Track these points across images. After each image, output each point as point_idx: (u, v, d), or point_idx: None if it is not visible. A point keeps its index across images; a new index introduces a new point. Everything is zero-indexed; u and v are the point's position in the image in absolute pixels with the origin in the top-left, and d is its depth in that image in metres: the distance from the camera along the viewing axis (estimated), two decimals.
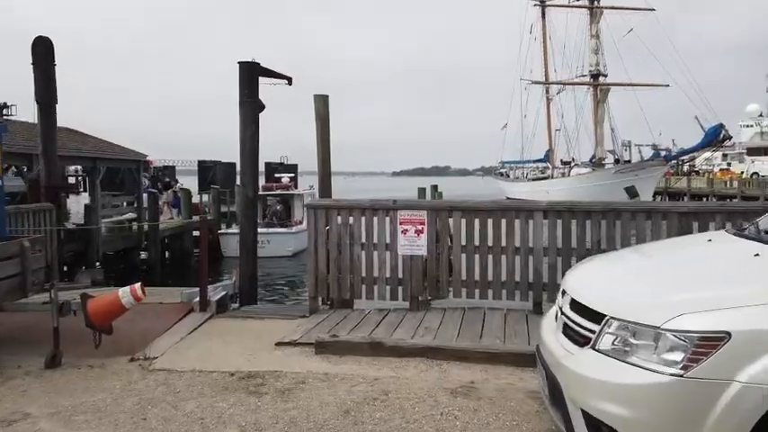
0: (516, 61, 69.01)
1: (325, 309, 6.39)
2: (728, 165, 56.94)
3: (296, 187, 31.21)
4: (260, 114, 9.81)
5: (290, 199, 25.65)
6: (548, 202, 5.78)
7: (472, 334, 5.20)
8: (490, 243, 5.89)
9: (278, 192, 25.99)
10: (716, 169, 54.37)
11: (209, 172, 36.22)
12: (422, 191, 22.97)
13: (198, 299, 6.69)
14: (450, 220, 6.00)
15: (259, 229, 22.43)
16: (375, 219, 6.16)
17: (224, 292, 7.21)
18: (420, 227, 6.03)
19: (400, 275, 6.13)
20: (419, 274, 6.05)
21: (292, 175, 32.21)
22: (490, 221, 5.89)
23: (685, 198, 48.24)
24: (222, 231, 22.50)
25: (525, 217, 5.78)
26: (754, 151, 67.66)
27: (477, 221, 5.92)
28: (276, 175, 31.31)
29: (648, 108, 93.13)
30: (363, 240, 6.20)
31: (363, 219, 6.18)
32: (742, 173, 56.56)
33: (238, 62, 10.23)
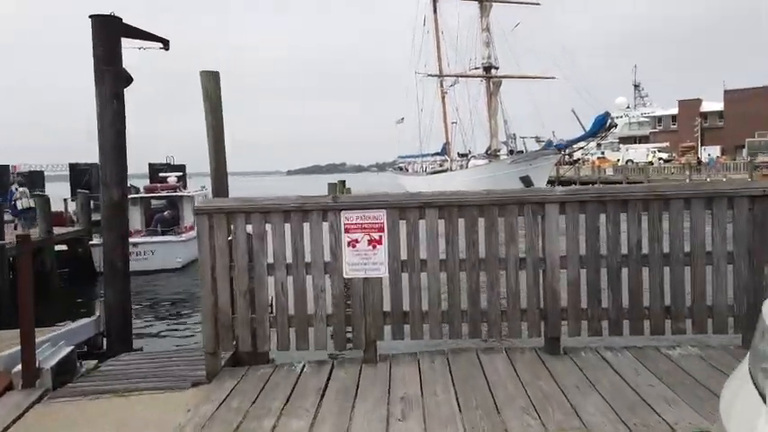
0: (411, 55, 68.43)
1: (232, 369, 4.12)
2: (602, 153, 60.31)
3: (185, 188, 27.87)
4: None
5: (179, 202, 22.35)
6: (563, 190, 3.92)
7: (482, 406, 3.22)
8: (482, 253, 3.95)
9: (163, 194, 22.61)
10: (593, 158, 57.38)
11: (84, 176, 32.42)
12: (333, 187, 20.70)
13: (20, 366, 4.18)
14: (422, 223, 3.98)
15: (141, 239, 19.20)
16: (306, 225, 4.00)
17: (69, 349, 4.68)
18: (377, 235, 3.96)
19: (348, 310, 4.03)
20: (377, 306, 3.99)
21: (180, 174, 28.61)
22: (481, 221, 3.95)
23: (576, 185, 50.32)
24: (94, 243, 18.85)
25: (533, 212, 3.90)
26: (626, 140, 73.12)
27: (461, 222, 3.95)
28: (161, 175, 27.72)
29: (536, 101, 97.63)
30: (289, 260, 4.03)
31: (288, 226, 4.00)
32: (618, 160, 60.42)
33: (91, 16, 7.52)
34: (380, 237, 3.96)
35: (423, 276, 3.98)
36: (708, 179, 36.44)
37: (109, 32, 7.46)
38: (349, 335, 4.03)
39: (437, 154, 67.97)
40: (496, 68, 60.37)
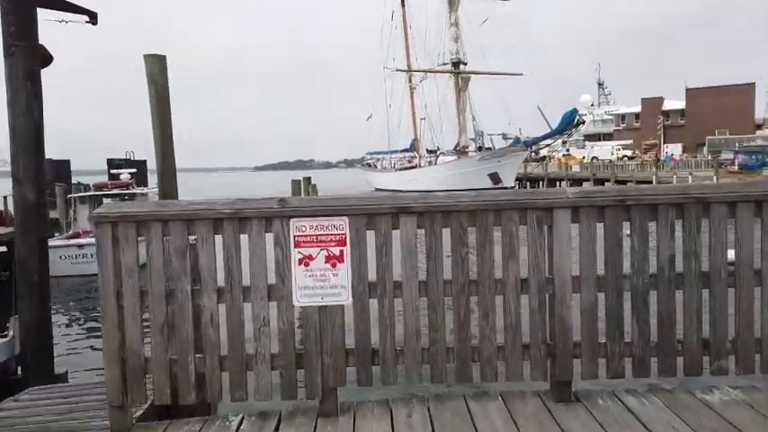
0: (379, 49, 67.29)
1: (147, 425, 3.13)
2: (568, 150, 60.75)
3: (146, 186, 26.43)
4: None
5: (132, 200, 21.04)
6: (575, 192, 3.05)
7: None
8: (473, 274, 3.06)
9: (114, 192, 21.18)
10: (559, 155, 57.69)
11: None
12: (296, 184, 19.61)
13: None
14: (397, 233, 3.06)
15: (87, 240, 17.87)
16: (244, 238, 3.04)
17: None
18: (337, 249, 3.03)
19: (299, 348, 3.09)
20: (338, 343, 3.06)
21: (134, 170, 27.01)
22: (472, 232, 3.06)
23: (542, 184, 50.28)
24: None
25: (538, 220, 3.02)
26: (591, 137, 73.99)
27: (446, 233, 3.05)
28: (113, 172, 26.26)
29: (503, 98, 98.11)
30: (221, 283, 3.06)
31: (221, 238, 3.03)
32: (583, 157, 60.91)
33: None
34: (342, 252, 3.03)
35: (397, 303, 3.07)
36: (675, 176, 36.66)
37: (23, 2, 6.31)
38: (301, 380, 3.09)
39: (406, 150, 67.27)
40: (465, 64, 60.06)
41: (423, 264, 3.06)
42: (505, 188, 49.54)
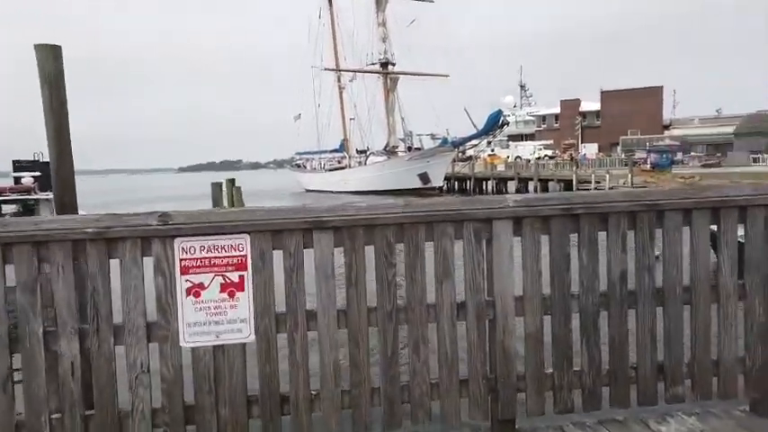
0: (307, 48, 66.09)
1: None
2: (493, 150, 62.29)
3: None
4: None
5: (35, 206, 19.26)
6: (518, 200, 2.61)
7: None
8: (400, 299, 2.57)
9: (13, 197, 19.23)
10: (484, 155, 59.05)
11: None
12: (217, 186, 18.46)
13: None
14: (310, 253, 2.52)
15: None
16: (114, 263, 2.40)
17: None
18: (235, 275, 2.45)
19: (188, 401, 2.49)
20: (238, 391, 2.48)
21: (37, 174, 24.76)
22: (401, 249, 2.57)
23: (470, 183, 51.19)
24: None
25: (475, 233, 2.58)
26: (514, 138, 76.35)
27: (369, 251, 2.54)
28: (14, 175, 24.00)
29: (431, 99, 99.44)
30: (84, 322, 2.40)
31: (82, 265, 2.38)
32: (507, 157, 62.68)
33: None
34: (241, 278, 2.46)
35: (311, 337, 2.54)
36: (593, 175, 38.16)
37: None
38: None
39: (335, 150, 66.55)
40: (393, 65, 60.13)
41: (342, 289, 2.55)
42: (434, 188, 50.01)
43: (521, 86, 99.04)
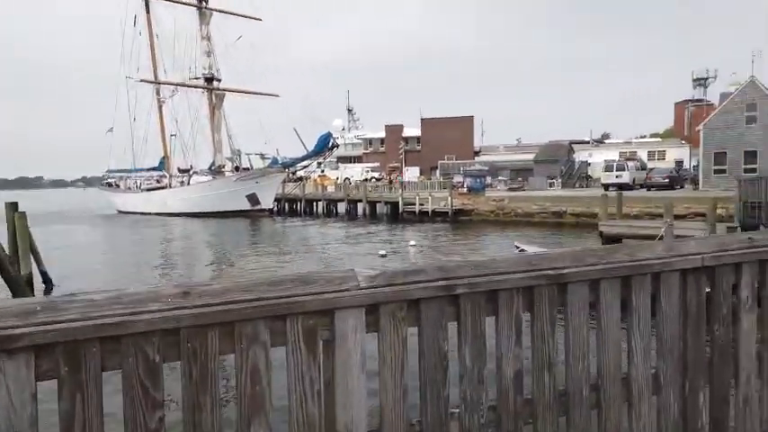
0: (120, 56, 59.56)
1: None
2: (323, 171, 62.63)
3: None
4: None
5: None
6: (370, 277, 1.64)
7: None
8: None
9: None
10: (314, 176, 59.02)
11: None
12: None
13: None
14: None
15: None
16: None
17: None
18: None
19: None
20: None
21: None
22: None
23: (300, 204, 50.24)
24: None
25: (306, 333, 1.56)
26: (343, 159, 77.66)
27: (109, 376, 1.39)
28: None
29: (260, 118, 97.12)
30: None
31: None
32: (337, 178, 63.23)
33: None
34: None
35: None
36: (417, 197, 39.72)
37: None
38: None
39: (154, 169, 60.81)
40: (219, 81, 57.01)
41: None
42: (264, 210, 48.13)
43: (348, 110, 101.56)
